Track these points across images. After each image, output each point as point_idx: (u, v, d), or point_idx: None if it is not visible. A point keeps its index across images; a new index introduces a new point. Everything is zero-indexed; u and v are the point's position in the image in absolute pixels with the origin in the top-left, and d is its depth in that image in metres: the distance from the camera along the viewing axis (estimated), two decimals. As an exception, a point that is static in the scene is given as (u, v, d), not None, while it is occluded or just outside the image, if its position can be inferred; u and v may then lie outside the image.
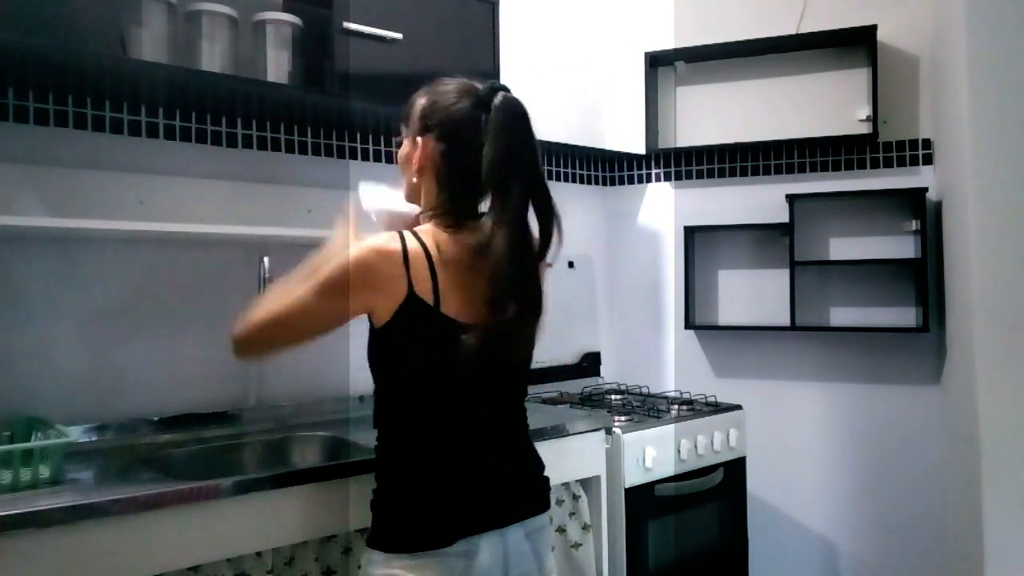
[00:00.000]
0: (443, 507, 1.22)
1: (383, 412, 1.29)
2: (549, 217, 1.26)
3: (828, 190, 2.61)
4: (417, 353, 1.22)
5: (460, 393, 1.25)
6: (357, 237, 1.31)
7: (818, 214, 2.66)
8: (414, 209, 1.38)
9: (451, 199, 1.27)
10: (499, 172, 1.21)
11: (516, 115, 1.26)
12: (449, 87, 1.31)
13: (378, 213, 1.42)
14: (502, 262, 1.18)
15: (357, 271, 1.18)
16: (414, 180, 1.32)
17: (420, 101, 1.32)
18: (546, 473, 1.40)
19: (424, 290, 1.19)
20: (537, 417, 2.02)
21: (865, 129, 2.58)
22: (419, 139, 1.30)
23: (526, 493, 1.34)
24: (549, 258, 1.29)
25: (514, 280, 1.20)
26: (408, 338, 1.21)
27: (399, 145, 1.36)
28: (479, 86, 1.29)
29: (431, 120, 1.29)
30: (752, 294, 2.77)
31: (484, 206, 1.28)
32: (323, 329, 1.26)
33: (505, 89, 1.28)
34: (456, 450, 1.25)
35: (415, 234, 1.23)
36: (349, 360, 2.17)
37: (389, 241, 1.20)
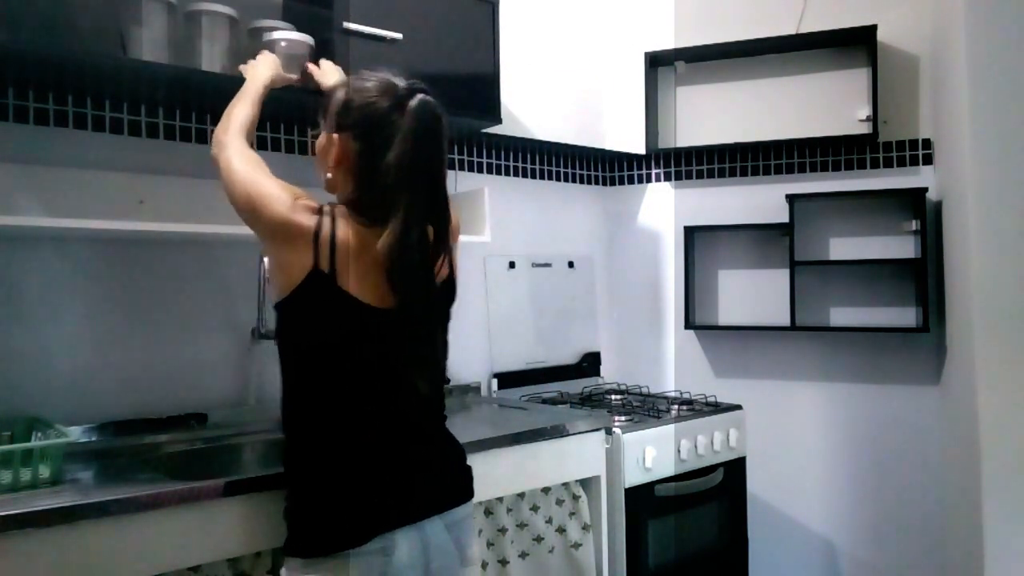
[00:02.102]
0: (356, 504, 1.21)
1: (290, 407, 1.30)
2: (445, 225, 1.30)
3: (828, 190, 2.61)
4: (319, 329, 1.24)
5: (369, 380, 1.25)
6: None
7: (818, 214, 2.66)
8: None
9: (364, 196, 1.27)
10: (403, 176, 1.22)
11: (430, 120, 1.25)
12: (369, 84, 1.28)
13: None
14: (395, 259, 1.20)
15: (273, 225, 1.25)
16: (329, 175, 1.32)
17: (338, 95, 1.31)
18: (468, 462, 1.41)
19: (325, 265, 1.21)
20: (537, 417, 2.03)
21: (865, 129, 2.58)
22: (335, 136, 1.29)
23: (445, 484, 1.33)
24: (443, 267, 1.33)
25: (406, 276, 1.22)
26: (310, 312, 1.23)
27: (315, 137, 1.37)
28: (400, 84, 1.27)
29: (347, 118, 1.28)
30: (752, 294, 2.77)
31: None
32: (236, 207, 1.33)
33: (424, 91, 1.27)
34: (367, 443, 1.25)
35: (331, 215, 1.25)
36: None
37: (306, 217, 1.23)
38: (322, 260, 1.21)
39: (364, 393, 1.25)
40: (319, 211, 1.25)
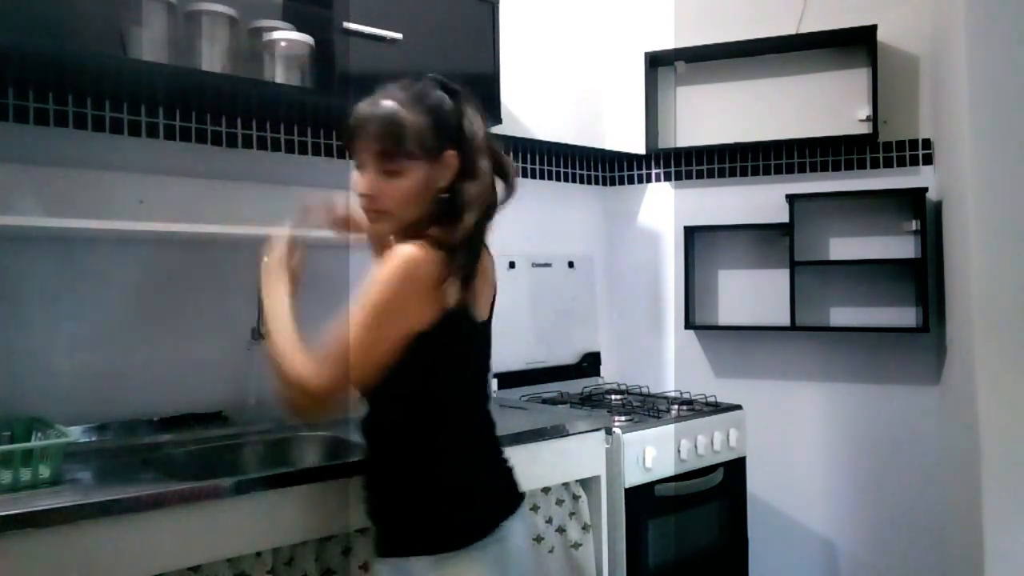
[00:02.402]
0: (479, 499, 1.29)
1: (401, 417, 1.28)
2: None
3: (828, 190, 2.61)
4: (454, 356, 1.27)
5: (478, 388, 1.37)
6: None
7: (818, 214, 2.66)
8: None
9: (451, 203, 1.25)
10: (478, 150, 1.26)
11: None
12: (431, 93, 1.26)
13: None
14: (488, 201, 1.27)
15: (411, 286, 1.17)
16: (436, 196, 1.26)
17: (416, 120, 1.22)
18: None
19: (454, 296, 1.21)
20: (537, 417, 2.03)
21: (865, 129, 2.58)
22: (449, 153, 1.24)
23: (516, 478, 1.40)
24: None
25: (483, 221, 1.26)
26: (447, 342, 1.23)
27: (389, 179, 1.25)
28: (433, 83, 1.28)
29: (445, 133, 1.24)
30: (752, 294, 2.77)
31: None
32: (389, 357, 1.20)
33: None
34: (478, 443, 1.34)
35: (436, 243, 1.20)
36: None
37: (427, 253, 1.18)
38: (450, 294, 1.20)
39: (473, 397, 1.35)
40: (428, 249, 1.18)
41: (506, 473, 1.37)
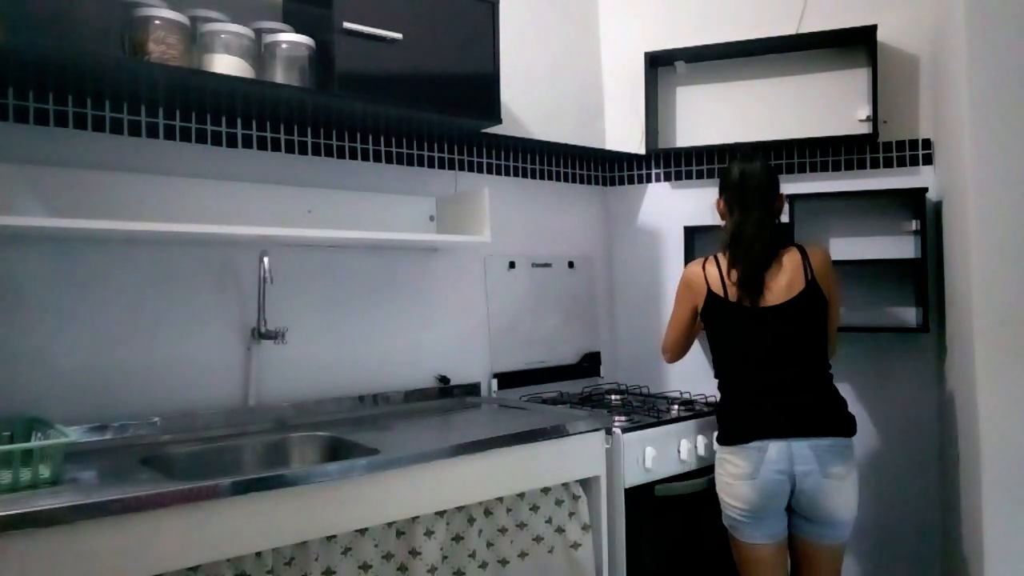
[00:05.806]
0: (743, 422, 1.94)
1: (715, 365, 2.08)
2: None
3: (828, 190, 2.61)
4: (715, 326, 2.04)
5: (742, 354, 1.98)
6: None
7: (818, 214, 2.66)
8: None
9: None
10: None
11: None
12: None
13: None
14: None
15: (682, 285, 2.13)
16: None
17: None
18: (849, 410, 2.00)
19: (717, 289, 2.02)
20: (537, 417, 2.03)
21: (865, 129, 2.58)
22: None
23: (810, 420, 1.91)
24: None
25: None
26: (711, 319, 2.04)
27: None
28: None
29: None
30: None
31: None
32: (687, 331, 2.18)
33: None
34: (747, 390, 1.97)
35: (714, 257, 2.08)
36: (350, 362, 2.17)
37: (694, 264, 2.10)
38: (713, 288, 2.04)
39: (740, 361, 1.99)
40: (702, 261, 2.09)
41: (780, 413, 1.91)
